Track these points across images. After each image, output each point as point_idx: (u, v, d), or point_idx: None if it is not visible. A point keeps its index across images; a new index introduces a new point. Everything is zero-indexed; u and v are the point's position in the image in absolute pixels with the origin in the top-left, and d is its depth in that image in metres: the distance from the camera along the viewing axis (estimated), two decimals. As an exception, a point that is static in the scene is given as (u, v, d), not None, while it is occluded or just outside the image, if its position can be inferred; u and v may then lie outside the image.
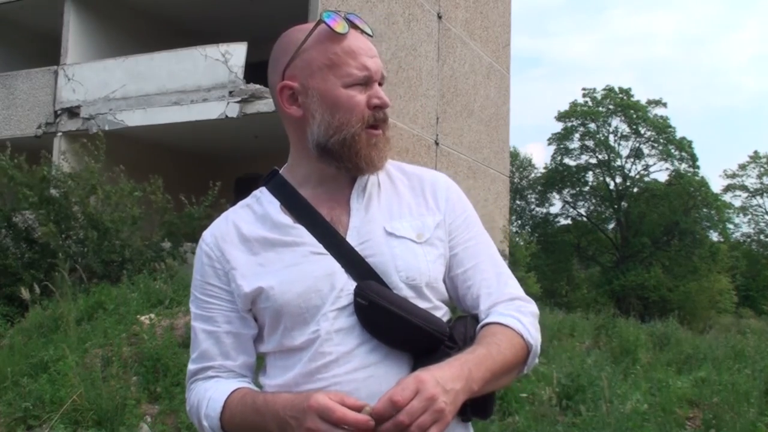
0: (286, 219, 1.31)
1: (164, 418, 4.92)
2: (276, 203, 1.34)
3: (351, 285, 1.26)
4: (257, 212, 1.35)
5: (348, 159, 1.29)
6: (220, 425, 1.26)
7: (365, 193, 1.34)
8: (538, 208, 37.70)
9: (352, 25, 1.29)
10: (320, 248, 1.28)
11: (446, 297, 1.36)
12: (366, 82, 1.28)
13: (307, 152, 1.33)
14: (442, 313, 1.33)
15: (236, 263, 1.31)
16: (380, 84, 1.31)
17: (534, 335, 1.30)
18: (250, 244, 1.31)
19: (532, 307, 1.36)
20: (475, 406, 1.24)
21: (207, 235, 1.37)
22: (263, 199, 1.37)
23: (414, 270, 1.28)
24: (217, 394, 1.28)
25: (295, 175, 1.37)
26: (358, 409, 1.09)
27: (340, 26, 1.27)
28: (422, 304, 1.27)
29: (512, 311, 1.31)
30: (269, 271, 1.28)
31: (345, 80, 1.27)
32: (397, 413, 1.05)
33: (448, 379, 1.10)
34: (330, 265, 1.26)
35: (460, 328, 1.29)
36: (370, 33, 1.33)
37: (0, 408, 4.97)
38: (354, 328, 1.24)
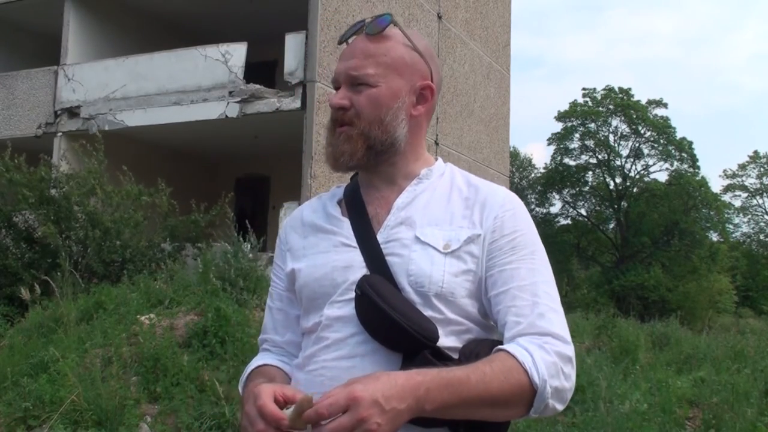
0: (336, 211, 1.38)
1: (164, 418, 4.92)
2: (338, 197, 1.41)
3: None
4: (323, 202, 1.44)
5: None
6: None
7: (413, 195, 1.35)
8: (538, 208, 37.67)
9: (367, 32, 1.33)
10: (352, 241, 1.31)
11: (471, 314, 1.28)
12: (338, 86, 1.34)
13: None
14: (458, 329, 1.26)
15: (291, 245, 1.42)
16: (361, 83, 1.30)
17: (543, 374, 1.16)
18: (304, 229, 1.41)
19: (563, 347, 1.21)
20: (471, 430, 1.18)
21: (286, 220, 1.49)
22: (334, 192, 1.45)
23: (424, 277, 1.24)
24: (251, 367, 1.41)
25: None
26: (291, 402, 1.09)
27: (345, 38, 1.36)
28: (428, 313, 1.23)
29: (531, 345, 1.19)
30: (306, 255, 1.36)
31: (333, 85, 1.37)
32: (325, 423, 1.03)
33: (391, 397, 1.04)
34: (352, 258, 1.30)
35: (470, 346, 1.24)
36: (372, 32, 1.31)
37: (0, 408, 4.97)
38: (353, 319, 1.25)
